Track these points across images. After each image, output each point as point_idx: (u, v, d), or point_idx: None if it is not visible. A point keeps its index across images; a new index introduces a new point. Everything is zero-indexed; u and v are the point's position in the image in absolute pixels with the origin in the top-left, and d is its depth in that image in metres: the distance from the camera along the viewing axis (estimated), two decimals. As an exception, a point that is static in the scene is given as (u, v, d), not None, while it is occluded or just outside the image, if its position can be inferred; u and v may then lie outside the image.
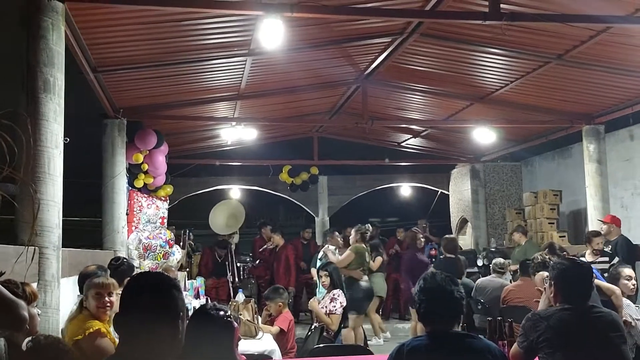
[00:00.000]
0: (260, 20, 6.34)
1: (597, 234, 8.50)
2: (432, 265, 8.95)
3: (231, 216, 12.30)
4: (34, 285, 4.36)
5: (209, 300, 7.86)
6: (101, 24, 6.49)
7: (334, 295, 7.36)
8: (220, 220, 12.00)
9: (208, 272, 11.31)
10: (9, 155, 2.59)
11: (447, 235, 9.77)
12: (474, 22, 6.91)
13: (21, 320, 2.39)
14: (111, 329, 4.34)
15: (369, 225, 9.50)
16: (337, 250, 9.40)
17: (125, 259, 6.70)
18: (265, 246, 12.21)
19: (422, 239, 9.67)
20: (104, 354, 3.90)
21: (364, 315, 9.23)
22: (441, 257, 9.14)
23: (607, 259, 8.19)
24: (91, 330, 4.04)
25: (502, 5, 6.16)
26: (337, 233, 10.56)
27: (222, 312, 3.32)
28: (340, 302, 7.30)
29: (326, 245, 9.71)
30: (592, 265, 6.71)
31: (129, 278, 5.84)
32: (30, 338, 3.26)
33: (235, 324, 3.37)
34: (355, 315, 8.44)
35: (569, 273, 3.79)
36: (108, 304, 4.25)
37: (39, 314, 3.91)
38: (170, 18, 6.62)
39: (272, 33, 6.12)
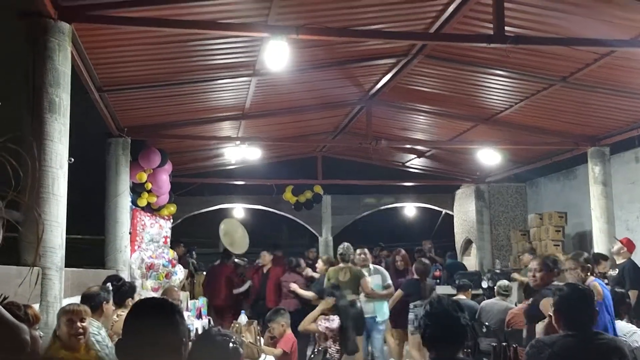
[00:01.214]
0: (266, 42, 6.36)
1: (605, 258, 8.42)
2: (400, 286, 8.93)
3: (226, 234, 12.42)
4: (36, 306, 4.34)
5: (212, 322, 7.82)
6: (107, 44, 6.53)
7: (329, 317, 7.34)
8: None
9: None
10: (14, 179, 2.58)
11: (421, 258, 9.70)
12: (478, 44, 6.93)
13: (23, 344, 2.37)
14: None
15: (347, 245, 9.30)
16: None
17: (122, 279, 6.66)
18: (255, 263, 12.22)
19: (401, 262, 9.59)
20: None
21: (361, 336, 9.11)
22: (409, 277, 9.16)
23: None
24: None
25: (506, 28, 6.18)
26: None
27: (227, 338, 3.28)
28: (327, 326, 7.27)
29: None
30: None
31: (130, 299, 5.85)
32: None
33: (242, 350, 3.33)
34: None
35: (571, 299, 3.77)
36: (80, 330, 4.17)
37: (41, 336, 3.87)
38: (175, 39, 6.65)
39: (277, 54, 6.14)
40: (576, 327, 3.68)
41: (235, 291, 11.61)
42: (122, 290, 5.99)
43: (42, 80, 5.05)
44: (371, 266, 9.05)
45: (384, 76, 9.20)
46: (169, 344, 2.24)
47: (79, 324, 4.19)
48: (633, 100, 8.64)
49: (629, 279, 8.23)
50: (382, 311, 8.78)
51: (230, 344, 3.21)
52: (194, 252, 12.93)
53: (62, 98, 5.15)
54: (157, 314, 2.29)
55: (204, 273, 12.26)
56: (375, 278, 8.86)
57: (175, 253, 10.45)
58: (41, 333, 3.94)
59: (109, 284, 5.88)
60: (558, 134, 10.75)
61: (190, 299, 9.02)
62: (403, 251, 9.95)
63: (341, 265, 8.79)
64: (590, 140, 10.55)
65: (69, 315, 4.19)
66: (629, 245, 8.84)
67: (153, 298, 2.63)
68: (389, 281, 8.95)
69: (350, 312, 7.99)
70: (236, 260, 12.33)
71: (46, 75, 5.06)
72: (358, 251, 9.07)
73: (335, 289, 7.96)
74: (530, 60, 7.70)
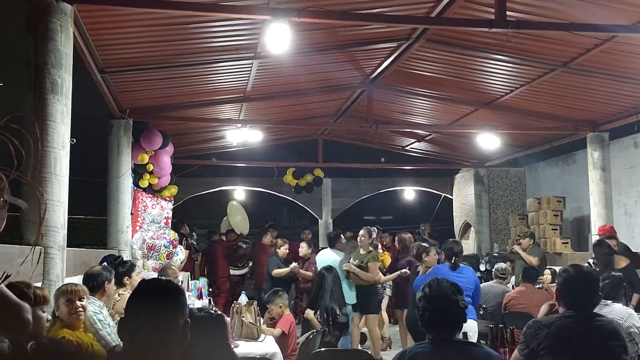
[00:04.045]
0: (267, 25, 6.37)
1: (610, 237, 8.44)
2: None
3: (228, 218, 12.76)
4: (39, 285, 4.40)
5: (212, 302, 7.90)
6: (109, 26, 6.54)
7: None
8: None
9: None
10: (16, 159, 2.62)
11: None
12: (480, 29, 6.94)
13: (25, 323, 2.41)
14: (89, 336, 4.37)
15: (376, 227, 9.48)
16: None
17: (120, 257, 6.74)
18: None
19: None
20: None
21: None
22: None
23: None
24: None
25: (508, 13, 6.19)
26: (342, 236, 10.32)
27: (207, 310, 3.35)
28: None
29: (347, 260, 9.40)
30: None
31: (127, 277, 5.90)
32: (34, 341, 3.28)
33: (226, 318, 3.40)
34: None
35: (575, 280, 3.79)
36: (80, 309, 4.21)
37: (48, 320, 3.92)
38: (177, 21, 6.66)
39: (279, 37, 6.15)
40: (576, 308, 3.70)
41: (233, 272, 11.87)
42: (121, 269, 6.03)
43: (44, 61, 5.07)
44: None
45: (385, 60, 9.19)
46: (173, 325, 2.26)
47: (78, 302, 4.23)
48: (633, 85, 8.64)
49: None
50: None
51: (213, 313, 3.27)
52: (194, 234, 13.04)
53: (64, 79, 5.17)
54: (162, 295, 2.30)
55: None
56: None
57: (180, 233, 10.63)
58: (49, 316, 3.99)
59: (104, 263, 5.94)
60: (558, 119, 10.76)
61: (191, 279, 9.10)
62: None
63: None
64: (589, 125, 10.57)
65: (68, 295, 4.23)
66: (610, 231, 8.89)
67: (157, 279, 2.66)
68: None
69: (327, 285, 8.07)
70: (241, 243, 12.62)
71: (48, 56, 5.08)
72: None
73: (328, 271, 8.07)
74: (531, 45, 7.69)
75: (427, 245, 7.67)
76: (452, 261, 6.69)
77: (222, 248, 12.36)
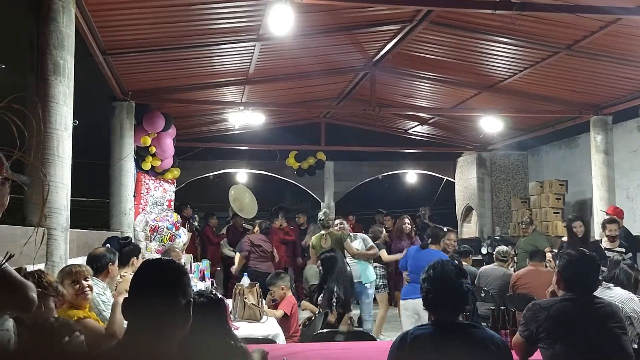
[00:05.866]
0: (270, 6, 6.34)
1: (611, 220, 8.46)
2: None
3: (236, 200, 12.71)
4: (42, 266, 4.42)
5: (214, 284, 7.93)
6: (111, 7, 6.50)
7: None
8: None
9: None
10: (19, 140, 2.62)
11: None
12: (484, 11, 6.89)
13: (29, 302, 2.43)
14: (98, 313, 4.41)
15: (325, 211, 9.47)
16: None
17: (128, 238, 6.75)
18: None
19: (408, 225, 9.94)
20: (96, 331, 4.05)
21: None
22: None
23: (623, 250, 8.14)
24: (75, 319, 4.07)
25: (512, -5, 6.17)
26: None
27: (204, 294, 3.36)
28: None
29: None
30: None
31: (135, 258, 5.93)
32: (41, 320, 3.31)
33: (226, 300, 3.41)
34: None
35: (576, 263, 3.80)
36: (87, 288, 4.26)
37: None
38: (180, 2, 6.62)
39: (282, 19, 6.13)
40: (576, 291, 3.72)
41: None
42: (127, 249, 6.06)
43: (47, 42, 5.04)
44: (351, 234, 9.23)
45: (388, 42, 9.14)
46: (175, 304, 2.26)
47: (83, 282, 4.27)
48: (637, 69, 8.58)
49: (623, 246, 8.31)
50: (367, 274, 8.89)
51: (212, 297, 3.27)
52: (195, 216, 13.10)
53: (66, 60, 5.15)
54: (164, 275, 2.31)
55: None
56: (356, 244, 9.02)
57: (182, 215, 10.68)
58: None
59: (108, 245, 5.96)
60: (561, 102, 10.72)
61: (194, 262, 9.13)
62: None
63: (322, 232, 8.99)
64: (593, 108, 10.53)
65: (74, 276, 4.27)
66: (618, 212, 8.89)
67: (160, 259, 2.66)
68: (371, 243, 9.12)
69: (332, 264, 8.08)
70: (244, 225, 12.68)
71: (50, 37, 5.05)
72: (336, 222, 9.25)
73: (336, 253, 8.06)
74: (535, 28, 7.64)
75: (446, 230, 7.81)
76: (429, 242, 7.13)
77: (209, 233, 12.55)
